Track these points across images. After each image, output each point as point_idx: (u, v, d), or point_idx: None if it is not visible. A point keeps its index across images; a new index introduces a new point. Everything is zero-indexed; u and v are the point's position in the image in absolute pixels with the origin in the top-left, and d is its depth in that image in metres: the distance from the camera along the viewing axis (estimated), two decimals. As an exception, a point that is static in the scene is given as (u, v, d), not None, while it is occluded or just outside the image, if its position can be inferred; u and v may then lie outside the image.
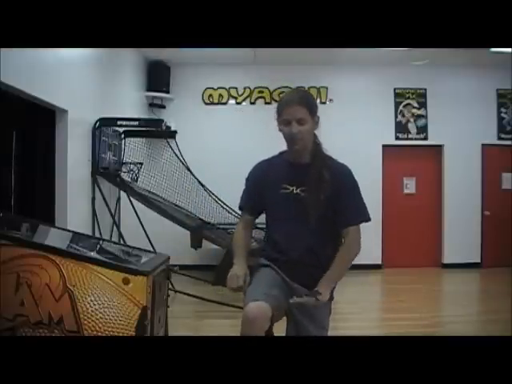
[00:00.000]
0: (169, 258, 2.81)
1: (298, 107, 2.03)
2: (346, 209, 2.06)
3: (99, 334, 2.16)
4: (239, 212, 2.36)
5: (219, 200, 6.28)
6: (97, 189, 5.03)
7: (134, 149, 5.90)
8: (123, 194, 5.71)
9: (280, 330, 2.15)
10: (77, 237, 3.04)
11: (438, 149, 7.94)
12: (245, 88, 7.80)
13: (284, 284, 2.06)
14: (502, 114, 7.99)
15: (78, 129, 4.67)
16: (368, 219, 2.10)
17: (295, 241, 2.05)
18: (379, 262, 7.83)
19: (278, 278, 2.06)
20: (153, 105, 7.61)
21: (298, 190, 2.06)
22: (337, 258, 2.04)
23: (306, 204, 2.02)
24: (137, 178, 5.75)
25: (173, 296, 3.99)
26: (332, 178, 2.04)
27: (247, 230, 2.24)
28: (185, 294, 4.75)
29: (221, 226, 6.31)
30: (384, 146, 7.84)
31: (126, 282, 2.20)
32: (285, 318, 2.13)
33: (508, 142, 7.86)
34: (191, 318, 4.90)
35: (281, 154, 2.21)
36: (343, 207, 2.05)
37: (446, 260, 7.88)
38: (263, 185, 2.15)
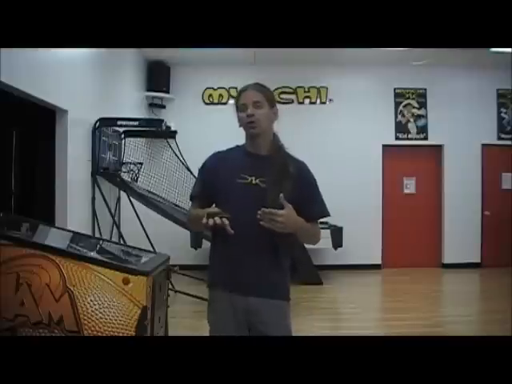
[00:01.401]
0: (169, 257, 2.81)
1: (253, 91, 2.02)
2: (311, 204, 2.04)
3: (99, 334, 2.16)
4: None
5: (219, 200, 6.26)
6: (97, 189, 5.03)
7: (133, 149, 5.90)
8: (123, 194, 5.71)
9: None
10: (77, 237, 3.04)
11: (437, 149, 7.95)
12: (245, 88, 7.80)
13: (241, 315, 1.97)
14: (502, 114, 8.00)
15: (78, 129, 4.67)
16: (329, 215, 2.10)
17: (254, 231, 1.89)
18: (379, 262, 7.84)
19: (234, 319, 1.97)
20: (153, 105, 7.62)
21: (258, 181, 1.98)
22: (310, 224, 2.01)
23: (267, 195, 1.92)
24: (137, 178, 5.75)
25: (173, 296, 4.00)
26: (294, 172, 2.00)
27: None
28: (185, 293, 4.76)
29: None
30: (384, 146, 7.84)
31: (126, 282, 2.20)
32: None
33: (508, 142, 7.88)
34: (191, 318, 4.89)
35: (237, 146, 2.15)
36: (309, 202, 2.02)
37: (446, 260, 7.88)
38: (218, 174, 2.05)
